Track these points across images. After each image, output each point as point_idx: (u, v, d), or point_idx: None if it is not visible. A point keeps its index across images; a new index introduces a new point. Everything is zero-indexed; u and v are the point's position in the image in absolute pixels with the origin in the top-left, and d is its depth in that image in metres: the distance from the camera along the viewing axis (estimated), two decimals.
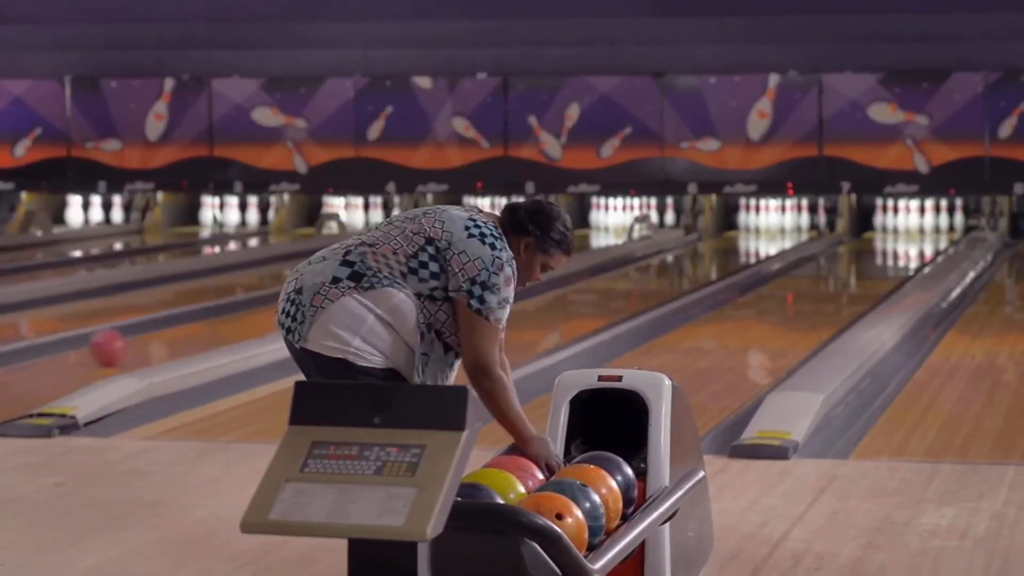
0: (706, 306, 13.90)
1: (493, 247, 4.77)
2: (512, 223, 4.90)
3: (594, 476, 4.72)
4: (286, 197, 22.19)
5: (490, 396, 4.75)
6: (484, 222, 4.84)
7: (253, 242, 21.24)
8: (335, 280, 4.76)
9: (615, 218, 21.70)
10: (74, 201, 22.96)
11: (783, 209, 21.29)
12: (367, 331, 4.74)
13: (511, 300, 4.83)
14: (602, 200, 21.73)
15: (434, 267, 4.77)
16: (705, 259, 19.20)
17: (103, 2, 22.50)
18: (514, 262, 4.83)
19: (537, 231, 4.89)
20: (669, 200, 21.57)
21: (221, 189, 22.23)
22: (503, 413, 4.78)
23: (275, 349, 10.46)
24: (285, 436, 3.93)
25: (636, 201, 21.64)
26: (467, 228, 4.79)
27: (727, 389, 9.67)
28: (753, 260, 18.89)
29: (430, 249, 4.77)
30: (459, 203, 21.86)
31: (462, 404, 3.87)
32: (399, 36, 21.68)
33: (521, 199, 21.45)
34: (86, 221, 22.95)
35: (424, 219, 4.84)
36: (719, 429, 8.26)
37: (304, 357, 4.81)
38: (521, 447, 4.87)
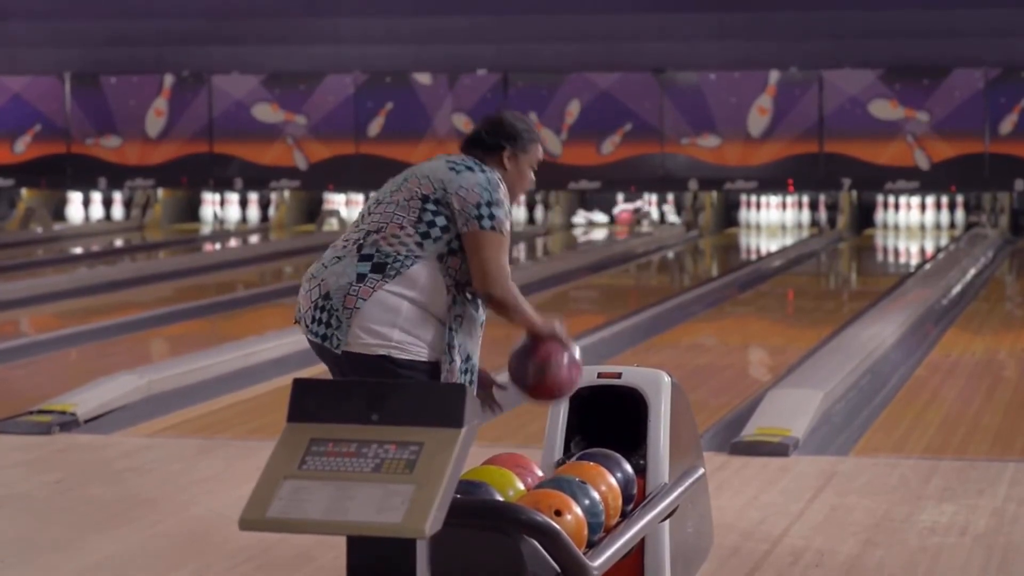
0: (706, 303, 13.90)
1: (482, 171, 4.86)
2: (484, 148, 4.98)
3: (593, 473, 4.72)
4: (286, 194, 22.18)
5: (504, 307, 4.79)
6: (462, 159, 4.92)
7: (254, 239, 21.24)
8: (360, 277, 4.72)
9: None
10: (74, 198, 22.94)
11: (784, 206, 21.27)
12: (404, 321, 4.72)
13: (511, 214, 4.92)
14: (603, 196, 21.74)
15: (441, 221, 4.79)
16: (705, 256, 19.19)
17: None
18: (504, 186, 4.92)
19: (510, 140, 5.00)
20: (670, 196, 21.57)
21: (221, 186, 22.22)
22: (519, 319, 4.80)
23: (275, 346, 10.46)
24: (283, 433, 3.93)
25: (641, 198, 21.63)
26: (452, 168, 4.85)
27: (727, 386, 9.67)
28: (753, 257, 18.89)
29: (430, 206, 4.80)
30: None
31: (460, 401, 3.86)
32: (399, 32, 21.67)
33: (521, 195, 21.54)
34: (86, 218, 22.93)
35: (409, 183, 4.88)
36: (719, 426, 8.26)
37: (345, 361, 4.74)
38: (536, 336, 4.85)
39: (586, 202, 22.04)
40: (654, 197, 21.64)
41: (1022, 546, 5.94)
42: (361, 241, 4.81)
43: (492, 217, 4.79)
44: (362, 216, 4.92)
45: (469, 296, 4.82)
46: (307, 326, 4.78)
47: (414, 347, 4.72)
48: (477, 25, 21.48)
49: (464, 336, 4.80)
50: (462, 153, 4.99)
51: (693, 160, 20.71)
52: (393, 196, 4.88)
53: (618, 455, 4.95)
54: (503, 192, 4.87)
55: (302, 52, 21.89)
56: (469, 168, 4.85)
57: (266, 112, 21.74)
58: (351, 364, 4.72)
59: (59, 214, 22.90)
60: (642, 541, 5.06)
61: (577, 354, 4.86)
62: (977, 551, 5.86)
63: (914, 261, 18.12)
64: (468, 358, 4.80)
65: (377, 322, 4.70)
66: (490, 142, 4.96)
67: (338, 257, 4.81)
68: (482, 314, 4.88)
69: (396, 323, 4.71)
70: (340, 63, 21.70)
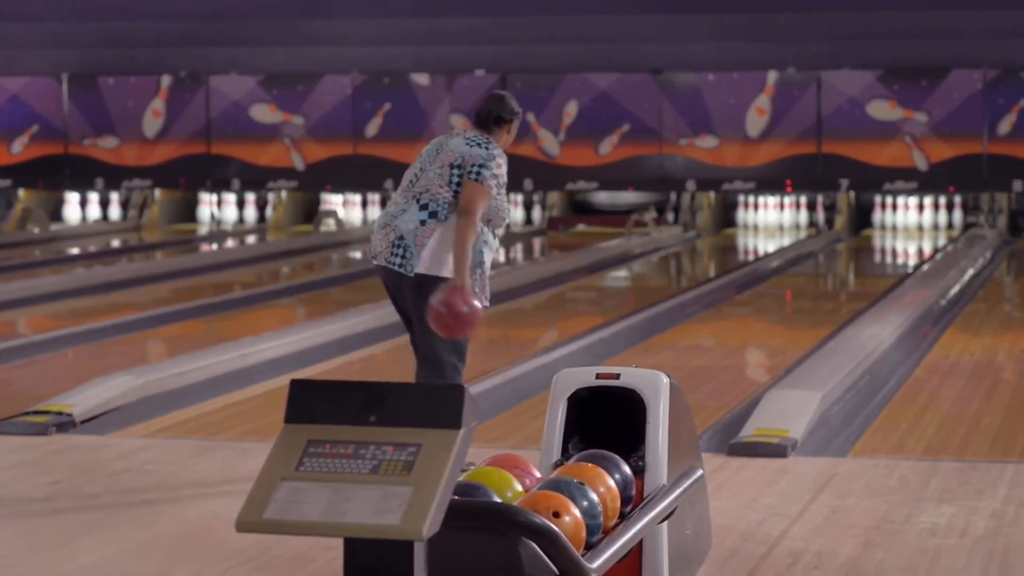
0: (704, 304, 13.89)
1: (487, 148, 6.78)
2: (495, 121, 6.84)
3: (592, 474, 4.70)
4: (284, 194, 22.17)
5: (459, 231, 6.64)
6: (475, 136, 6.81)
7: (251, 239, 21.22)
8: (423, 222, 6.69)
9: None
10: (71, 198, 22.94)
11: (782, 206, 21.27)
12: (448, 251, 6.62)
13: (501, 179, 6.76)
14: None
15: (461, 180, 6.71)
16: (703, 256, 19.18)
17: None
18: (504, 156, 6.81)
19: (514, 113, 6.88)
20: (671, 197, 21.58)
21: (219, 186, 22.21)
22: (460, 248, 6.62)
23: (272, 347, 10.45)
24: (280, 434, 3.91)
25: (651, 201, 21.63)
26: (468, 143, 6.79)
27: (725, 387, 9.66)
28: (751, 257, 18.88)
29: (455, 172, 6.72)
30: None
31: (458, 402, 3.84)
32: (397, 33, 21.66)
33: (519, 197, 21.58)
34: (83, 218, 22.93)
35: (442, 155, 6.76)
36: (717, 427, 8.25)
37: (410, 283, 6.65)
38: (454, 280, 6.61)
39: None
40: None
41: (1022, 548, 5.92)
42: (419, 197, 6.72)
43: (479, 174, 6.71)
44: (416, 177, 6.79)
45: (488, 229, 6.77)
46: (386, 260, 6.70)
47: (448, 268, 6.64)
48: (475, 26, 21.47)
49: (487, 254, 6.78)
50: (484, 120, 6.85)
51: (691, 161, 20.70)
52: (432, 165, 6.76)
53: (616, 456, 4.93)
54: (496, 163, 6.74)
55: (300, 53, 21.88)
56: (479, 144, 6.77)
57: (264, 113, 21.73)
58: (417, 281, 6.64)
59: (56, 215, 22.89)
60: (640, 543, 5.04)
61: (468, 307, 6.51)
62: (977, 553, 5.84)
63: (912, 262, 18.12)
64: (481, 263, 6.72)
65: (437, 252, 6.65)
66: (501, 116, 6.85)
67: (404, 209, 6.71)
68: (495, 241, 6.82)
69: (448, 252, 6.62)
70: (338, 64, 21.68)
